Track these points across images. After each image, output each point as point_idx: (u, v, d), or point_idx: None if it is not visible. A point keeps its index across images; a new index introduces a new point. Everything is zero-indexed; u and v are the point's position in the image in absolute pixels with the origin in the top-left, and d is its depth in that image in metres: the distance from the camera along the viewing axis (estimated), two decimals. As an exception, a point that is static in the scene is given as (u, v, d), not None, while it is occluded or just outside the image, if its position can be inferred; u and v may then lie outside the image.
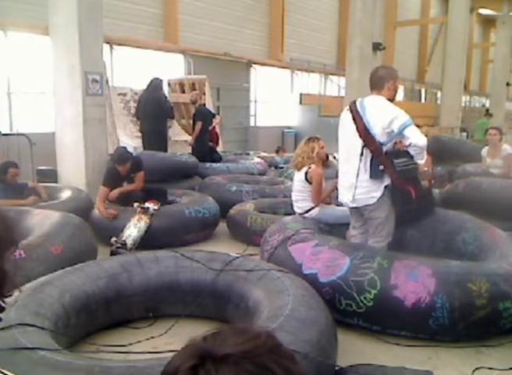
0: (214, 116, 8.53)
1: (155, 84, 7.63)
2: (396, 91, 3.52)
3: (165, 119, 7.64)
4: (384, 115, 3.30)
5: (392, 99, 3.46)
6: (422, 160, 3.39)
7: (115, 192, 5.05)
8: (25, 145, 6.77)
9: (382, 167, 3.32)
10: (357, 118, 3.39)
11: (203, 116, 8.07)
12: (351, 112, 3.46)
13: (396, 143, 3.50)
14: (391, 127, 3.28)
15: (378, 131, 3.31)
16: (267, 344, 0.66)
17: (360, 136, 3.35)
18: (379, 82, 3.45)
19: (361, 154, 3.36)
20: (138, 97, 8.14)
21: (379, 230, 3.51)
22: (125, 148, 5.61)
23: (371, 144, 3.32)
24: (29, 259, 3.19)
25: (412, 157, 3.34)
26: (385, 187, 3.37)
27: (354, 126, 3.39)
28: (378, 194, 3.38)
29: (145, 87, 7.78)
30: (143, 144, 7.66)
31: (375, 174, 3.35)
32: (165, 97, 7.94)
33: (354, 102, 3.50)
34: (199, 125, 7.88)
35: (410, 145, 3.29)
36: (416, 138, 3.25)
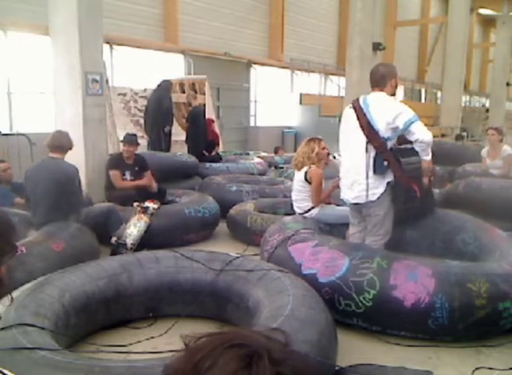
0: (205, 117, 8.55)
1: (164, 86, 7.67)
2: (396, 87, 3.54)
3: (164, 120, 7.66)
4: (388, 110, 3.31)
5: (393, 95, 3.48)
6: (428, 156, 3.38)
7: (132, 184, 5.20)
8: (25, 145, 6.77)
9: (386, 163, 3.32)
10: (361, 114, 3.39)
11: (192, 117, 8.15)
12: (354, 109, 3.46)
13: (399, 138, 3.50)
14: (395, 123, 3.28)
15: (382, 127, 3.31)
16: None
17: (364, 132, 3.35)
18: (382, 80, 3.46)
19: (366, 150, 3.35)
20: (147, 98, 8.23)
21: (377, 229, 3.50)
22: (135, 134, 5.78)
23: (375, 140, 3.32)
24: (30, 255, 3.22)
25: (418, 155, 3.33)
26: (388, 183, 3.37)
27: (358, 123, 3.39)
28: (381, 190, 3.38)
29: (155, 87, 7.87)
30: (147, 143, 7.69)
31: (379, 170, 3.34)
32: (170, 99, 7.96)
33: (357, 99, 3.51)
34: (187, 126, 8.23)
35: (416, 141, 3.29)
36: (422, 134, 3.26)
